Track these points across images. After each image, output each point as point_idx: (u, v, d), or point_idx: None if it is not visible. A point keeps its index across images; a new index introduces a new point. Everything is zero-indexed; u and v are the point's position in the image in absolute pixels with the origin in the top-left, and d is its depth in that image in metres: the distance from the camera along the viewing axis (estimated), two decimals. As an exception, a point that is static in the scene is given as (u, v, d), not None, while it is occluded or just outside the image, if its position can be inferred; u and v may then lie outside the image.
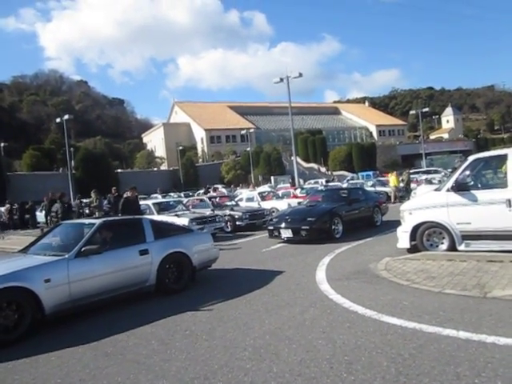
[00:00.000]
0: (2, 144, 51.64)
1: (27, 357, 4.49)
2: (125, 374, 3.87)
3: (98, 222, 6.70)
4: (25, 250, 6.80)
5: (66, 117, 36.67)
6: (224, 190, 37.29)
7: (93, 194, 19.16)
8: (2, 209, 30.89)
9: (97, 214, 17.91)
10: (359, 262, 8.05)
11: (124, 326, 5.31)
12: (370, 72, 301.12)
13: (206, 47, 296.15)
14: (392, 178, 23.38)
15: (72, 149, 48.72)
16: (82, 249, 5.96)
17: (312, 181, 40.23)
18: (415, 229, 8.11)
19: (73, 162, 47.62)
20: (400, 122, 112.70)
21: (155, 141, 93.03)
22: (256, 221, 14.74)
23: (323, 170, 66.81)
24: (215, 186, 48.59)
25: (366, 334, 4.37)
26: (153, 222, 7.48)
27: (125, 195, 10.95)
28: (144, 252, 6.59)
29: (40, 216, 26.28)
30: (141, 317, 5.65)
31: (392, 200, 21.69)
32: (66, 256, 5.84)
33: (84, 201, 28.37)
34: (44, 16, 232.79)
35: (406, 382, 3.31)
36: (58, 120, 40.32)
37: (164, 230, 7.39)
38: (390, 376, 3.44)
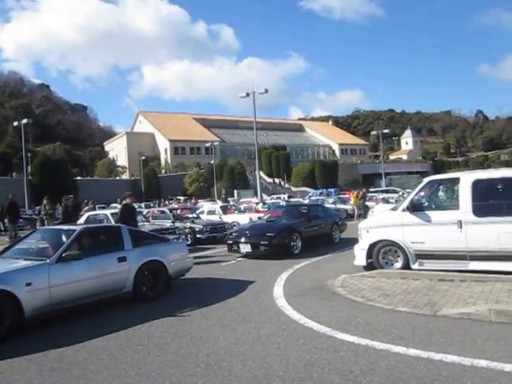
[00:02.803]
0: (-46, 146, 49.15)
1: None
2: (71, 391, 3.73)
3: (78, 228, 6.86)
4: (1, 254, 6.79)
5: (25, 121, 35.54)
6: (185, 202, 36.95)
7: (45, 201, 18.56)
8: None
9: (45, 222, 17.35)
10: (317, 278, 8.13)
11: (73, 339, 5.12)
12: (334, 91, 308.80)
13: (171, 57, 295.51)
14: (353, 197, 23.93)
15: (29, 154, 47.09)
16: (63, 254, 6.05)
17: (274, 196, 40.55)
18: (372, 247, 8.29)
19: (29, 167, 45.97)
20: (362, 141, 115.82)
21: (117, 149, 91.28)
22: (217, 234, 14.67)
23: (286, 185, 67.50)
24: (177, 197, 48.16)
25: (320, 351, 4.40)
26: (131, 230, 7.60)
27: (124, 202, 10.55)
28: (122, 259, 6.73)
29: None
30: (92, 329, 5.46)
31: (354, 218, 22.21)
32: (48, 261, 5.91)
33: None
34: (2, 16, 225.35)
35: (356, 399, 3.35)
36: (15, 123, 38.99)
37: (142, 239, 7.58)
38: (341, 393, 3.47)
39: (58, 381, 3.97)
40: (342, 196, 32.68)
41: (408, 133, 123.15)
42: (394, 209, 8.73)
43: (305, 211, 12.84)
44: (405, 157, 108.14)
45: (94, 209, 20.09)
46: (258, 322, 5.49)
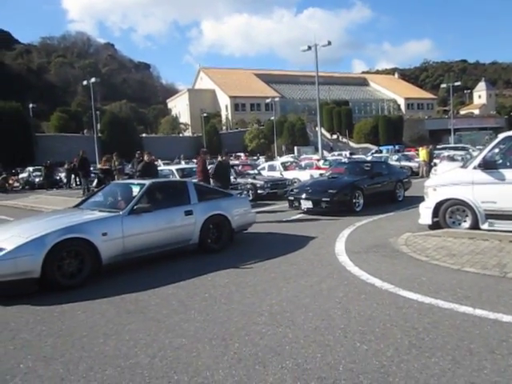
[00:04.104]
0: (31, 105, 52.37)
1: (51, 305, 4.73)
2: (145, 332, 4.04)
3: (147, 182, 7.15)
4: (79, 206, 7.37)
5: (93, 80, 36.92)
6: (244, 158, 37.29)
7: (114, 158, 19.44)
8: (31, 168, 31.72)
9: (115, 177, 18.23)
10: (379, 235, 8.04)
11: (146, 285, 5.50)
12: (400, 42, 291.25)
13: (229, 11, 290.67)
14: (423, 153, 22.83)
15: (98, 112, 49.21)
16: (135, 207, 6.42)
17: (336, 152, 39.83)
18: (438, 205, 8.01)
19: (99, 125, 48.17)
20: (430, 95, 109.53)
21: (180, 106, 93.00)
22: (277, 190, 14.76)
23: (348, 141, 65.94)
24: (237, 154, 48.69)
25: (382, 306, 4.42)
26: (196, 185, 7.95)
27: (219, 159, 11.24)
28: (189, 213, 7.05)
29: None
30: (162, 278, 5.83)
31: (420, 174, 21.40)
32: (121, 213, 6.30)
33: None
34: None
35: (419, 355, 3.37)
36: (84, 82, 40.67)
37: (206, 193, 7.87)
38: (403, 348, 3.50)
39: (134, 322, 4.31)
40: (406, 153, 31.44)
41: (482, 85, 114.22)
42: (463, 166, 8.32)
43: (368, 168, 12.56)
44: (477, 111, 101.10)
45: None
46: (319, 277, 5.58)
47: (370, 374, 3.12)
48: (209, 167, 11.26)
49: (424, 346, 3.51)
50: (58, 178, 28.84)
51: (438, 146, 36.82)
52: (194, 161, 40.99)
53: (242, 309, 4.54)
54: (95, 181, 16.89)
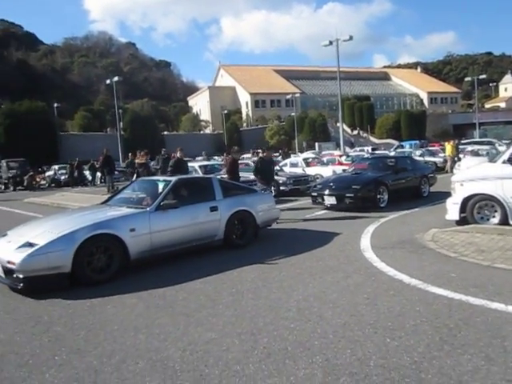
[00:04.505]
0: (55, 105, 53.39)
1: (83, 303, 4.83)
2: (175, 326, 4.09)
3: (173, 179, 7.26)
4: (106, 202, 7.51)
5: (116, 78, 37.41)
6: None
7: (138, 155, 19.65)
8: (56, 167, 32.39)
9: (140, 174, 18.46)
10: (405, 231, 7.95)
11: (173, 280, 5.57)
12: (423, 35, 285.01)
13: (248, 8, 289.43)
14: (448, 147, 22.38)
15: (120, 110, 49.81)
16: (161, 203, 6.49)
17: (357, 148, 39.44)
18: (466, 201, 7.87)
19: (121, 123, 48.82)
20: (453, 89, 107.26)
21: (200, 104, 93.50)
22: (300, 186, 14.72)
23: (369, 137, 65.21)
24: (257, 150, 48.68)
25: (411, 303, 4.37)
26: (221, 181, 7.98)
27: (260, 155, 11.34)
28: (214, 209, 7.10)
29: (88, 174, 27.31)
30: (188, 273, 5.89)
31: (448, 170, 21.00)
32: (148, 209, 6.39)
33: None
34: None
35: (451, 351, 3.32)
36: (107, 81, 41.23)
37: (231, 189, 7.90)
38: (435, 344, 3.45)
39: (163, 316, 4.37)
40: (430, 148, 30.91)
41: (508, 78, 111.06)
42: (492, 161, 8.14)
43: (392, 163, 12.39)
44: (503, 105, 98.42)
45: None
46: (346, 272, 5.55)
47: (402, 369, 3.09)
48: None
49: (456, 343, 3.46)
50: (80, 175, 29.23)
51: (462, 141, 36.11)
52: (216, 158, 41.29)
53: (270, 304, 4.56)
54: (134, 176, 17.21)
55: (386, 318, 4.02)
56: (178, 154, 12.03)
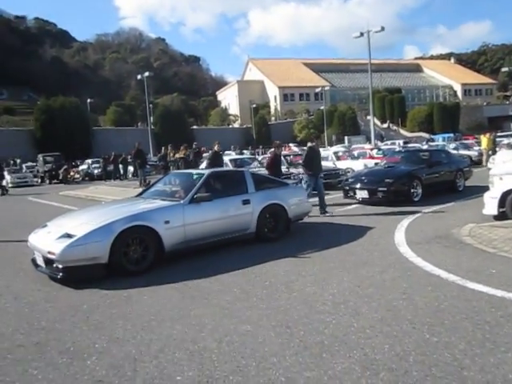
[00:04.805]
0: (88, 100, 54.66)
1: (120, 293, 4.93)
2: (211, 317, 4.13)
3: (206, 172, 7.32)
4: (141, 195, 7.64)
5: (147, 74, 37.95)
6: (297, 149, 37.11)
7: (169, 149, 19.93)
8: (90, 161, 33.15)
9: (170, 168, 18.73)
10: (440, 226, 7.76)
11: (207, 272, 5.62)
12: (456, 25, 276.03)
13: (277, 0, 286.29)
14: (484, 140, 21.68)
15: (151, 105, 50.55)
16: (195, 196, 6.54)
17: (388, 141, 38.74)
18: (505, 195, 7.61)
19: (151, 117, 49.53)
20: (489, 80, 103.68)
21: (229, 98, 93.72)
22: (331, 180, 14.56)
23: (400, 130, 63.94)
24: (288, 144, 48.49)
25: (450, 299, 4.27)
26: (253, 174, 8.00)
27: (309, 144, 11.11)
28: (246, 202, 7.11)
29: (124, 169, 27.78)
30: (222, 265, 5.93)
31: (484, 163, 20.36)
32: (182, 202, 6.47)
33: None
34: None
35: (494, 349, 3.22)
36: (138, 77, 41.86)
37: (263, 183, 7.89)
38: (476, 341, 3.36)
39: (199, 307, 4.42)
40: (464, 141, 30.07)
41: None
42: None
43: (426, 157, 12.11)
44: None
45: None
46: (380, 267, 5.47)
47: (443, 366, 3.02)
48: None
49: (499, 341, 3.35)
50: (116, 169, 29.49)
51: (498, 134, 34.93)
52: (245, 152, 41.38)
53: (304, 297, 4.53)
54: (171, 169, 17.58)
55: (424, 314, 3.94)
56: (216, 148, 12.31)
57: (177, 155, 18.85)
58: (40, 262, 5.76)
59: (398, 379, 2.88)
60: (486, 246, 6.13)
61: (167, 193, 7.39)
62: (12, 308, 4.73)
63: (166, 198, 6.92)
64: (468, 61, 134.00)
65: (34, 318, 4.35)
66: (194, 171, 8.08)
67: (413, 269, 5.32)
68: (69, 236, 5.52)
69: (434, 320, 3.79)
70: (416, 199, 10.60)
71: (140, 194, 7.85)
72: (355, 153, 21.52)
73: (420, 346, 3.33)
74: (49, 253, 5.43)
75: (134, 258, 5.73)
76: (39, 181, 31.01)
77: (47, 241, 5.66)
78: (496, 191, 7.81)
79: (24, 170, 33.38)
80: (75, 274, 5.42)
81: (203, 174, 7.13)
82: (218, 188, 7.27)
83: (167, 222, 6.05)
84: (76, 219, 6.29)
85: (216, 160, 11.76)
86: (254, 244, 7.12)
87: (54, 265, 5.45)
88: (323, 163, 18.27)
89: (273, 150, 11.31)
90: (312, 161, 10.09)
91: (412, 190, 10.56)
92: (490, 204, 7.88)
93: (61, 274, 5.37)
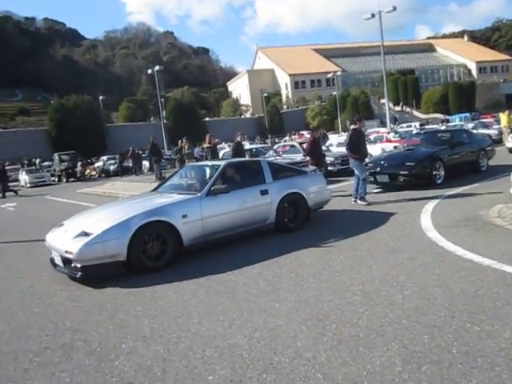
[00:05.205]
0: (100, 97, 54.80)
1: (143, 289, 4.84)
2: (238, 312, 4.00)
3: (222, 163, 7.12)
4: (157, 189, 7.50)
5: (157, 68, 37.73)
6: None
7: (184, 141, 19.79)
8: (105, 157, 33.33)
9: (186, 161, 18.60)
10: (467, 208, 7.50)
11: (231, 265, 5.49)
12: (468, 1, 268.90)
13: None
14: (504, 118, 21.06)
15: (162, 99, 50.47)
16: (212, 188, 6.38)
17: (404, 125, 38.04)
18: (535, 173, 7.31)
19: (163, 112, 49.52)
20: (504, 56, 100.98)
21: (240, 88, 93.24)
22: (348, 166, 14.25)
23: (415, 112, 62.84)
24: (300, 132, 48.03)
25: (487, 284, 4.07)
26: (270, 163, 7.77)
27: (352, 126, 10.74)
28: (264, 192, 6.90)
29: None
30: (246, 257, 5.80)
31: (504, 142, 19.80)
32: (198, 195, 6.30)
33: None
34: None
35: (542, 336, 3.03)
36: (149, 71, 41.79)
37: (281, 172, 7.65)
38: (522, 328, 3.17)
39: (225, 302, 4.29)
40: (483, 120, 29.33)
41: None
42: None
43: (447, 138, 11.76)
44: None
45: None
46: (410, 253, 5.27)
47: (489, 357, 2.84)
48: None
49: (546, 327, 3.16)
50: (136, 164, 29.14)
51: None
52: (256, 141, 41.11)
53: (333, 288, 4.37)
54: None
55: (461, 301, 3.75)
56: (239, 138, 12.35)
57: (204, 145, 18.71)
58: (58, 261, 5.68)
59: (443, 372, 2.71)
60: (518, 227, 5.88)
61: (183, 186, 7.26)
62: (36, 309, 4.68)
63: (182, 191, 6.78)
64: (482, 38, 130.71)
65: (59, 319, 4.28)
66: (209, 163, 7.92)
67: (444, 254, 5.11)
68: (86, 234, 5.43)
69: (474, 307, 3.61)
70: (439, 182, 10.30)
71: (156, 188, 7.71)
72: (371, 137, 21.10)
73: (462, 336, 3.15)
74: (66, 252, 5.35)
75: (152, 254, 5.61)
76: (56, 180, 31.31)
77: (64, 240, 5.58)
78: (525, 169, 7.51)
79: (41, 170, 33.74)
80: (94, 273, 5.33)
81: (219, 166, 6.94)
82: (234, 179, 7.08)
83: (185, 216, 5.91)
84: (92, 217, 6.19)
85: (239, 150, 11.83)
86: (275, 234, 6.97)
87: (73, 264, 5.36)
88: (340, 149, 18.03)
89: (311, 133, 11.00)
90: (357, 144, 9.42)
91: (434, 173, 10.26)
92: (519, 183, 7.58)
93: (79, 273, 5.29)
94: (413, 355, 2.95)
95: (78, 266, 5.29)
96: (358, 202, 9.09)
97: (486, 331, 3.19)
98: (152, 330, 3.82)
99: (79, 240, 5.35)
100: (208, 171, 7.22)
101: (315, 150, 10.09)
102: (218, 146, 20.14)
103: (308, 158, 10.66)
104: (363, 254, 5.48)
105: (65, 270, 5.55)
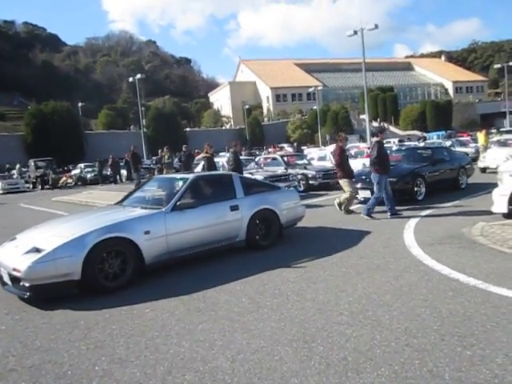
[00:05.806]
0: (80, 104, 53.97)
1: (119, 306, 4.60)
2: (220, 332, 3.81)
3: (191, 176, 6.75)
4: (121, 203, 7.01)
5: (139, 76, 37.45)
6: (290, 149, 36.82)
7: (164, 151, 19.50)
8: (82, 165, 32.69)
9: (164, 171, 18.31)
10: (450, 226, 7.49)
11: (212, 281, 5.29)
12: (446, 22, 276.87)
13: (267, 1, 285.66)
14: (481, 137, 21.51)
15: (143, 108, 50.01)
16: (178, 203, 6.05)
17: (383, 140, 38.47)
18: (516, 192, 7.36)
19: (144, 120, 49.03)
20: (480, 77, 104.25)
21: (221, 100, 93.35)
22: (330, 180, 14.27)
23: (394, 128, 63.91)
24: (280, 145, 48.22)
25: (475, 305, 3.99)
26: (242, 178, 7.50)
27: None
28: (235, 208, 6.59)
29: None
30: (227, 273, 5.61)
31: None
32: (163, 209, 5.94)
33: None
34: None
35: (534, 362, 2.94)
36: (130, 79, 41.40)
37: (253, 187, 7.38)
38: (514, 353, 3.08)
39: (206, 320, 4.09)
40: (460, 138, 29.95)
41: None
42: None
43: (428, 155, 11.87)
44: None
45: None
46: (395, 271, 5.18)
47: (483, 384, 2.73)
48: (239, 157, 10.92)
49: (538, 352, 3.07)
50: (115, 172, 28.53)
51: (492, 130, 34.90)
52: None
53: (318, 307, 4.23)
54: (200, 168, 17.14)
55: (450, 323, 3.65)
56: (237, 148, 11.89)
57: (201, 155, 18.40)
58: (7, 279, 5.15)
59: (437, 402, 2.59)
60: (501, 247, 5.88)
61: (149, 200, 6.85)
62: (3, 326, 4.38)
63: (146, 205, 6.38)
64: (458, 58, 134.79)
65: (28, 337, 4.01)
66: (178, 175, 7.47)
67: (430, 272, 5.04)
68: (37, 250, 4.96)
69: (464, 330, 3.51)
70: (420, 198, 10.35)
71: (121, 201, 7.17)
72: (352, 152, 21.23)
73: (454, 361, 3.04)
74: (14, 270, 4.87)
75: (110, 274, 5.19)
76: (31, 186, 30.49)
77: (14, 256, 5.10)
78: (505, 188, 7.56)
79: (15, 176, 32.84)
80: (44, 293, 4.87)
81: (187, 179, 6.56)
82: (203, 193, 6.78)
83: (147, 233, 5.53)
84: (48, 231, 5.69)
85: (237, 160, 10.82)
86: (257, 250, 6.79)
87: (21, 283, 4.87)
88: (321, 163, 18.07)
89: (336, 144, 9.96)
90: (384, 157, 8.96)
91: (416, 189, 10.30)
92: (500, 201, 7.61)
93: (28, 293, 4.82)
94: (404, 381, 2.82)
95: (27, 285, 4.80)
96: (362, 215, 8.90)
97: (478, 356, 3.09)
98: (128, 350, 3.59)
99: (29, 257, 4.87)
100: (176, 184, 6.79)
101: (345, 162, 9.43)
102: (196, 157, 19.88)
103: (338, 170, 9.75)
104: (348, 271, 5.36)
105: (13, 290, 5.04)
